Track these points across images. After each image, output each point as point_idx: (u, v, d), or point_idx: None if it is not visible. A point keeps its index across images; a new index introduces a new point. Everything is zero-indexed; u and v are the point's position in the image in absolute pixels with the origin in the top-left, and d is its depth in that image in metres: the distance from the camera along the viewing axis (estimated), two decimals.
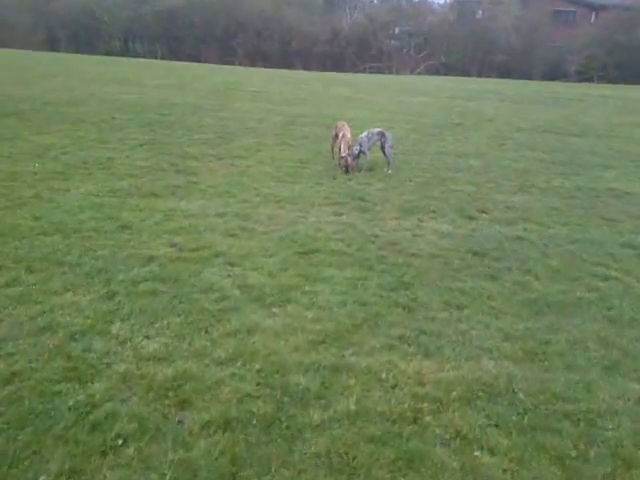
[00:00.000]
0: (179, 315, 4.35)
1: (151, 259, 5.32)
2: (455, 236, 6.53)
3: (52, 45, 64.66)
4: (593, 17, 58.58)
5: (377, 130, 9.67)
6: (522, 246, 6.32)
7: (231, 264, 5.32)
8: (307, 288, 4.92)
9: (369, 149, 9.59)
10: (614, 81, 51.11)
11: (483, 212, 7.63)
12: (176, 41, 64.82)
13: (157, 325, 4.20)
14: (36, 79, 21.18)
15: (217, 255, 5.52)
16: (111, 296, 4.59)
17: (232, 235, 6.12)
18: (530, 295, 5.05)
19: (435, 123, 16.10)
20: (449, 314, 4.61)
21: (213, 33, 62.17)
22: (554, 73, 57.40)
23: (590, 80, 54.74)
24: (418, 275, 5.30)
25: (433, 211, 7.49)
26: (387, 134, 9.66)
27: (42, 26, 66.86)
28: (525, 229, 6.95)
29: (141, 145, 10.56)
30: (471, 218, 7.30)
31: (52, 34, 66.23)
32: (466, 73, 55.11)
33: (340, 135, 9.57)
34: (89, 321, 4.19)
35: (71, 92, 17.52)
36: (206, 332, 4.15)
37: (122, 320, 4.24)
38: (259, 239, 6.05)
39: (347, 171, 9.26)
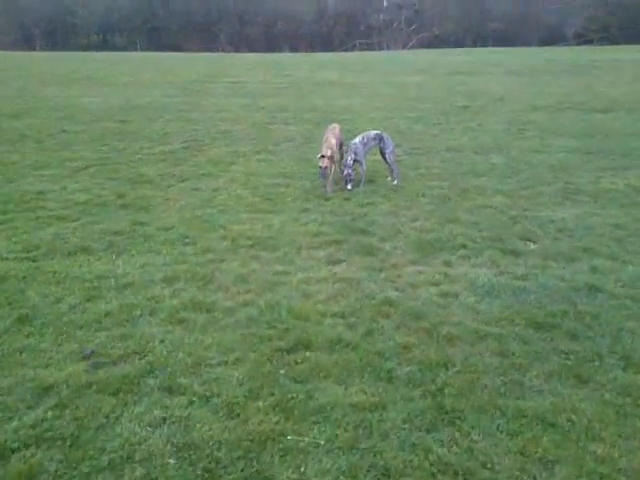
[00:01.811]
0: None
1: (45, 392, 3.38)
2: (502, 292, 4.57)
3: (27, 44, 62.16)
4: None
5: (374, 133, 7.65)
6: (601, 304, 4.37)
7: (170, 390, 3.39)
8: (290, 439, 2.99)
9: (365, 157, 7.58)
10: (616, 42, 48.67)
11: (529, 240, 5.67)
12: (156, 32, 62.17)
13: None
14: None
15: (151, 370, 3.57)
16: None
17: (180, 321, 4.17)
18: None
19: (439, 108, 14.06)
20: None
21: (193, 21, 59.53)
22: (553, 38, 54.89)
23: (590, 42, 52.26)
24: (465, 388, 3.36)
25: (463, 246, 5.52)
26: (386, 137, 7.64)
27: (15, 25, 64.29)
28: (594, 269, 4.99)
29: (86, 168, 8.57)
30: (516, 254, 5.34)
31: (26, 32, 63.67)
32: (460, 44, 52.63)
33: (326, 140, 7.54)
34: None
35: (23, 99, 15.46)
36: None
37: None
38: (220, 326, 4.10)
39: (323, 176, 7.26)
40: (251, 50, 53.53)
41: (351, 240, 5.69)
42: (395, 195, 7.20)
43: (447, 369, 3.54)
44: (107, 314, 4.27)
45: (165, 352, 3.76)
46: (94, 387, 3.41)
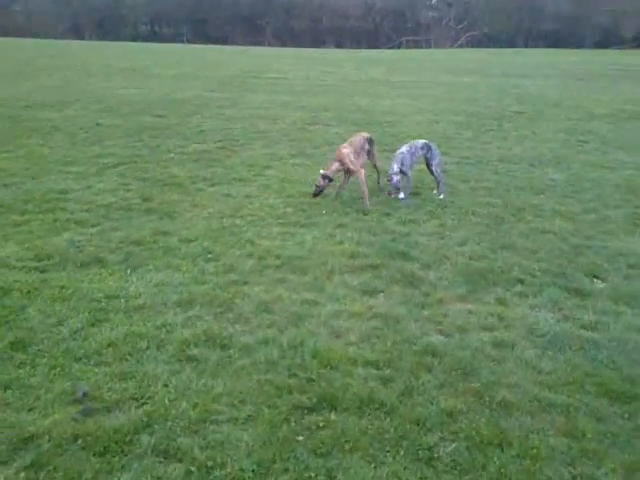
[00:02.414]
0: None
1: (24, 444, 2.89)
2: (567, 344, 3.88)
3: (78, 33, 63.27)
4: None
5: (421, 142, 7.00)
6: None
7: (166, 454, 2.85)
8: None
9: (411, 168, 6.93)
10: None
11: (596, 277, 4.93)
12: (202, 23, 62.36)
13: None
14: (35, 73, 19.12)
15: (148, 423, 3.04)
16: None
17: (190, 359, 3.64)
18: None
19: (490, 113, 13.23)
20: None
21: (239, 13, 59.42)
22: (608, 40, 52.69)
23: None
24: None
25: (519, 280, 4.83)
26: (433, 147, 7.00)
27: (67, 14, 65.61)
28: None
29: (116, 166, 8.16)
30: (581, 294, 4.62)
31: (77, 22, 64.83)
32: (511, 44, 50.96)
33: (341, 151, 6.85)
34: None
35: (63, 89, 15.31)
36: None
37: None
38: (234, 368, 3.55)
39: (315, 194, 6.79)
40: (296, 44, 53.10)
41: (390, 265, 5.06)
42: (441, 212, 6.53)
43: (502, 450, 2.90)
44: (110, 344, 3.77)
45: (167, 400, 3.22)
46: (79, 442, 2.90)
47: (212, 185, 7.39)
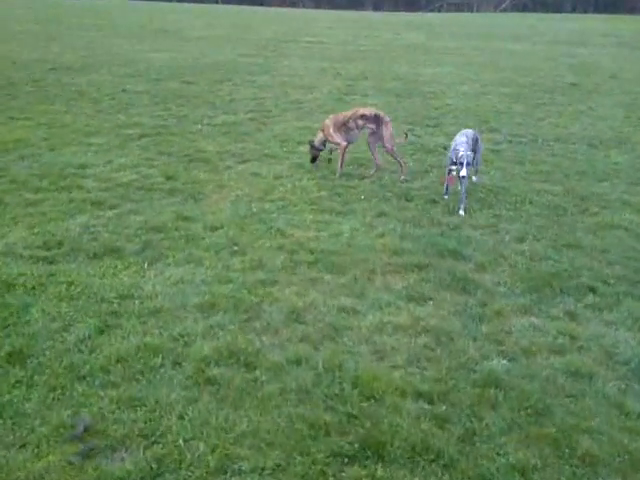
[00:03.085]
0: None
1: None
2: None
3: None
4: None
5: (472, 132, 6.08)
6: None
7: None
8: None
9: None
10: None
11: None
12: None
13: None
14: (63, 34, 18.61)
15: (157, 473, 2.54)
16: None
17: (210, 382, 3.12)
18: None
19: (542, 84, 12.24)
20: None
21: None
22: None
23: None
24: None
25: (591, 289, 4.17)
26: (480, 138, 6.22)
27: None
28: None
29: (140, 138, 7.64)
30: None
31: None
32: (558, 8, 48.37)
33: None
34: None
35: (91, 52, 14.80)
36: None
37: None
38: (260, 397, 3.01)
39: (312, 160, 6.69)
40: (332, 7, 51.37)
41: (439, 266, 4.44)
42: (495, 199, 5.84)
43: None
44: (120, 359, 3.28)
45: (181, 440, 2.71)
46: None
47: (241, 162, 6.81)
